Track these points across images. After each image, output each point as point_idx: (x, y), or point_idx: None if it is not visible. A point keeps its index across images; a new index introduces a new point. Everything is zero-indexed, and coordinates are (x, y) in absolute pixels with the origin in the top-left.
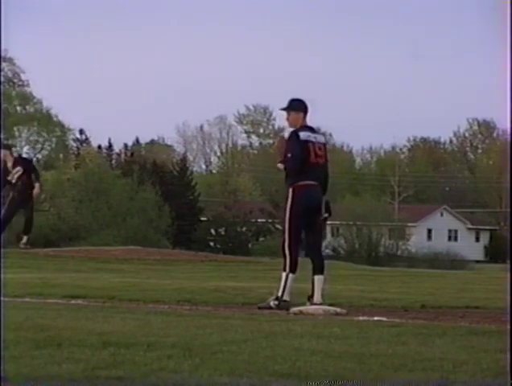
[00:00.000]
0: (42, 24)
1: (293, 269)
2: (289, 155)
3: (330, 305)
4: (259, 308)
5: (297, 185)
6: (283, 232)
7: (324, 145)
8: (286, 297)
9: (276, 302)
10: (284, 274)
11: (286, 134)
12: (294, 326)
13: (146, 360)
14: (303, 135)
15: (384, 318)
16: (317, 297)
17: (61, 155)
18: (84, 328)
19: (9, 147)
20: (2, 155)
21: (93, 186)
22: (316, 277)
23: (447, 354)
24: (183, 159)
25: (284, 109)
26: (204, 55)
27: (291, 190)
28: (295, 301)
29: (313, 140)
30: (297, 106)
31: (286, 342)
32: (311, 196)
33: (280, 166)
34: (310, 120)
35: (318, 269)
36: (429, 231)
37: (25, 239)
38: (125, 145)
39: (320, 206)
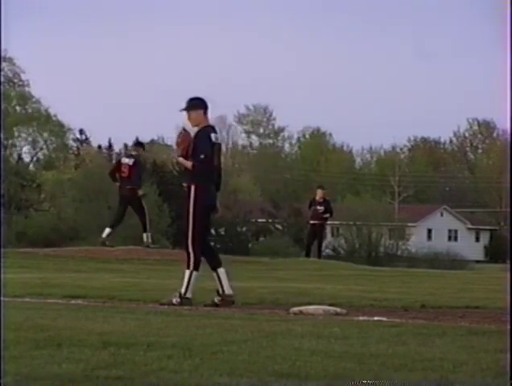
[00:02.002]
0: (42, 24)
1: (196, 267)
2: (202, 156)
3: (330, 305)
4: (161, 304)
5: (200, 185)
6: (186, 231)
7: (220, 145)
8: (188, 295)
9: (178, 299)
10: (188, 272)
11: (192, 132)
12: (294, 326)
13: (146, 360)
14: (213, 137)
15: (384, 318)
16: (228, 289)
17: (61, 155)
18: (84, 328)
19: (141, 145)
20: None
21: (93, 186)
22: (219, 271)
23: (447, 354)
24: None
25: (184, 110)
26: (204, 55)
27: (193, 189)
28: (292, 300)
29: (217, 141)
30: (197, 105)
31: (286, 342)
32: (213, 197)
33: (182, 160)
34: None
35: (217, 264)
36: (429, 231)
37: (145, 237)
38: (125, 145)
39: (216, 206)
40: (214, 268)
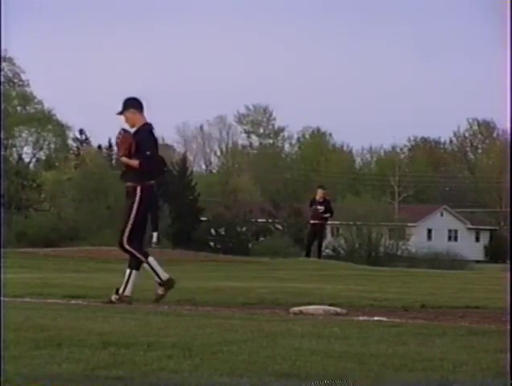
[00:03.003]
0: (42, 24)
1: (135, 266)
2: (148, 153)
3: (330, 305)
4: (103, 303)
5: (145, 184)
6: (124, 229)
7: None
8: (127, 293)
9: (117, 297)
10: (128, 270)
11: (132, 131)
12: (294, 326)
13: (146, 360)
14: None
15: (384, 318)
16: (128, 291)
17: (61, 155)
18: (84, 328)
19: None
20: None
21: (93, 186)
22: (134, 272)
23: (447, 354)
24: (183, 159)
25: (120, 113)
26: (204, 54)
27: (139, 189)
28: (292, 300)
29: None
30: (131, 105)
31: (286, 342)
32: (156, 196)
33: (126, 160)
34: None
35: (136, 265)
36: (429, 231)
37: (155, 236)
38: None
39: (158, 204)
40: (131, 267)
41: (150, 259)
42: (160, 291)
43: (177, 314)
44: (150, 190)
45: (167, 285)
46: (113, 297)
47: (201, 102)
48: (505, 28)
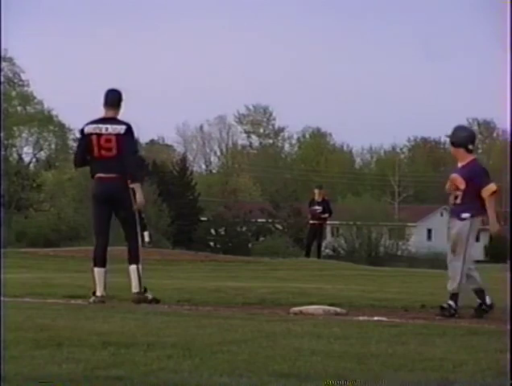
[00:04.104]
0: (42, 24)
1: (97, 264)
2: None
3: (330, 305)
4: (89, 303)
5: (94, 177)
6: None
7: (118, 135)
8: (98, 293)
9: (93, 297)
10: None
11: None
12: (294, 326)
13: (146, 360)
14: (87, 128)
15: (384, 318)
16: (135, 286)
17: (61, 156)
18: (84, 328)
19: None
20: None
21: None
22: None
23: (447, 354)
24: (183, 159)
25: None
26: (204, 54)
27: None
28: (292, 300)
29: (99, 132)
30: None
31: (286, 342)
32: (101, 188)
33: None
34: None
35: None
36: (429, 231)
37: (146, 236)
38: None
39: (115, 197)
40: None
41: (98, 270)
42: (92, 300)
43: (177, 314)
44: (96, 183)
45: (97, 299)
46: (151, 296)
47: (201, 102)
48: (505, 28)
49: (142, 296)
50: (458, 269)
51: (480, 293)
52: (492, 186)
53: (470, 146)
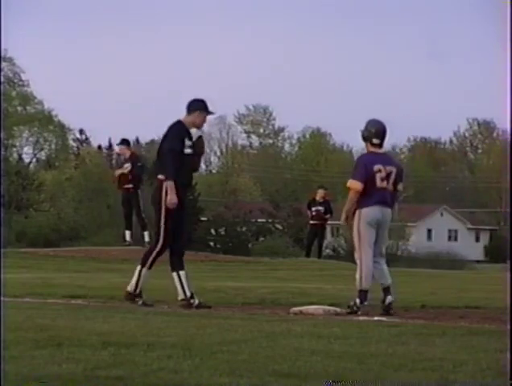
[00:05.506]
0: (42, 24)
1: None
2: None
3: (330, 305)
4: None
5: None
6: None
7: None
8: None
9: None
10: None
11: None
12: (294, 326)
13: (146, 360)
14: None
15: (384, 318)
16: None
17: (61, 156)
18: (84, 328)
19: (127, 142)
20: (118, 149)
21: (93, 186)
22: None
23: (447, 354)
24: None
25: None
26: (204, 55)
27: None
28: (292, 300)
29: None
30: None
31: (286, 342)
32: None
33: None
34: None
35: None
36: (429, 231)
37: (146, 235)
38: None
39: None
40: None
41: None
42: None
43: (177, 314)
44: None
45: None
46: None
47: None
48: (505, 28)
49: (186, 302)
50: (358, 265)
51: (385, 290)
52: (349, 182)
53: (375, 140)
